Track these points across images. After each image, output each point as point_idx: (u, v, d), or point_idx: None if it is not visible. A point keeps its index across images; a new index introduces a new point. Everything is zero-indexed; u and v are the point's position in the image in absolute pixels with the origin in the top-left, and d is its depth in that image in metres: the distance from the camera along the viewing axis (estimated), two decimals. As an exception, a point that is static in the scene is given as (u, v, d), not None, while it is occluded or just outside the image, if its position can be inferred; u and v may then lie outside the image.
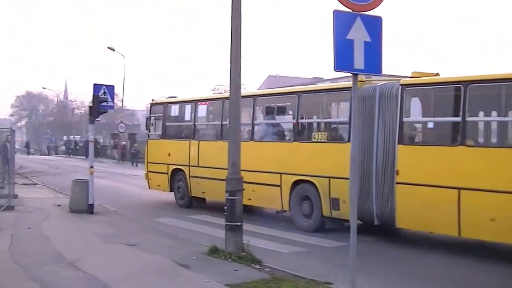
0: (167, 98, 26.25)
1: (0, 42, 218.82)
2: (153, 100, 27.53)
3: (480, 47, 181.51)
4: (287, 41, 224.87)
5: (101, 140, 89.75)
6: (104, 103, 21.33)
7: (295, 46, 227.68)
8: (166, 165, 24.29)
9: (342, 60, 9.12)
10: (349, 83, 13.61)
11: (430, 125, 16.21)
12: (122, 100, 63.92)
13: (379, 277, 12.64)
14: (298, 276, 11.77)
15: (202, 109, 23.96)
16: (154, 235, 16.63)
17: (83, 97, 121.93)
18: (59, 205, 22.51)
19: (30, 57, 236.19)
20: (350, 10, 9.24)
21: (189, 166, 22.98)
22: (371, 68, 9.45)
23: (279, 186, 18.96)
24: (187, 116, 24.38)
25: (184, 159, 23.36)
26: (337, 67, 9.07)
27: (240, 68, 13.73)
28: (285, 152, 19.23)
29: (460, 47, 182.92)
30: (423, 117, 16.70)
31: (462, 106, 14.10)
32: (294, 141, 18.91)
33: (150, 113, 26.99)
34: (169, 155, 24.22)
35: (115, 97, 23.40)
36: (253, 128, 20.56)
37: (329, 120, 19.66)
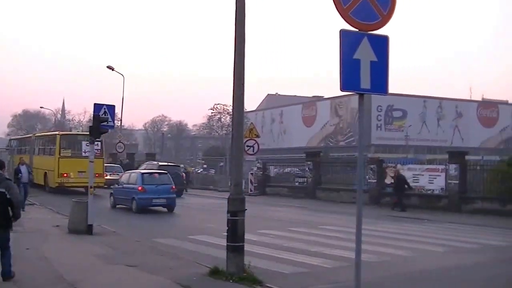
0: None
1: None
2: (12, 137, 65.67)
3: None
4: (287, 59, 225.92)
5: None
6: (105, 123, 21.30)
7: (295, 65, 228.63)
8: None
9: (349, 80, 9.07)
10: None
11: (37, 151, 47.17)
12: (121, 120, 63.79)
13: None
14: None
15: (16, 143, 57.04)
16: (154, 256, 16.54)
17: (80, 116, 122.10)
18: (57, 226, 22.41)
19: (28, 75, 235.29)
20: (357, 30, 9.20)
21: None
22: (377, 87, 9.35)
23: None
24: (15, 145, 56.91)
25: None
26: (344, 87, 9.03)
27: (243, 87, 13.64)
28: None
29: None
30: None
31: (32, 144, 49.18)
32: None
33: (9, 142, 63.14)
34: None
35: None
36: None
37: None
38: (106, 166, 46.74)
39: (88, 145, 35.86)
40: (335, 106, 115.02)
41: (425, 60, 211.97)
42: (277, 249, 18.36)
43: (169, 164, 50.13)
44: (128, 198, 31.05)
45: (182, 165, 59.76)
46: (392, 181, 36.69)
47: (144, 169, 42.37)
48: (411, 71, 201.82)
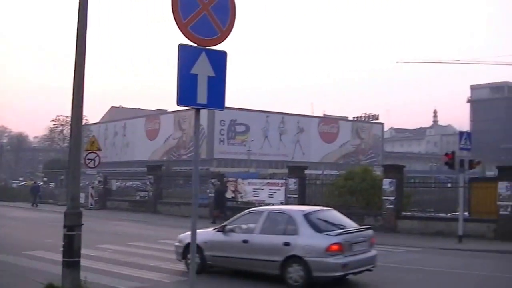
0: None
1: None
2: None
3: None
4: (131, 72, 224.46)
5: None
6: None
7: (139, 78, 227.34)
8: None
9: (186, 94, 9.06)
10: None
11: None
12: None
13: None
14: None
15: None
16: (-14, 273, 15.95)
17: None
18: None
19: None
20: (196, 44, 9.21)
21: None
22: (214, 103, 9.41)
23: None
24: None
25: None
26: (180, 102, 9.01)
27: (82, 99, 13.41)
28: None
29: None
30: None
31: None
32: None
33: None
34: None
35: None
36: None
37: None
38: None
39: None
40: (179, 120, 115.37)
41: (270, 77, 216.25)
42: (115, 264, 18.18)
43: None
44: None
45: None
46: (233, 195, 37.22)
47: None
48: (255, 87, 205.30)
